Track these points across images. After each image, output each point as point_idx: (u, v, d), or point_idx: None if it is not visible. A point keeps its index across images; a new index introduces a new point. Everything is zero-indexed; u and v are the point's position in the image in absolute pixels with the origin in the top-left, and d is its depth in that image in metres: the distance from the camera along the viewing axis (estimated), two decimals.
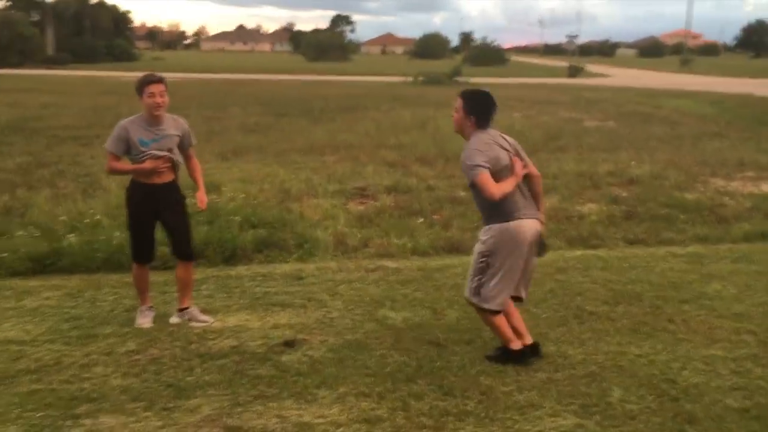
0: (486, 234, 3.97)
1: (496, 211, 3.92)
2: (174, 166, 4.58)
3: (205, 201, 4.89)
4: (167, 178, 4.56)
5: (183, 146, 4.67)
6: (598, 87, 32.55)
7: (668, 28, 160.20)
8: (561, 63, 67.26)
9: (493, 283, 3.94)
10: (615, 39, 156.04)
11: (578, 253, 6.56)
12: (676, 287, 5.48)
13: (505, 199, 3.88)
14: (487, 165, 3.86)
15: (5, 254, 5.78)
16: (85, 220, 6.70)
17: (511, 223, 3.92)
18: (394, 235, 6.88)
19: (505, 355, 4.10)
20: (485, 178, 3.83)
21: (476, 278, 3.99)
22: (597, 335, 4.52)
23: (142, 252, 4.67)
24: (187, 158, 4.77)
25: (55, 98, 21.70)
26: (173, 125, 4.60)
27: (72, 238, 6.15)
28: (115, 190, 8.33)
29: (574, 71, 46.32)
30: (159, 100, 4.40)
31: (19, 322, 4.67)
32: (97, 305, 5.04)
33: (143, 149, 4.39)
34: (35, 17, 59.54)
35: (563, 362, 4.11)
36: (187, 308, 4.72)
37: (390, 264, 6.14)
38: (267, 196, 8.33)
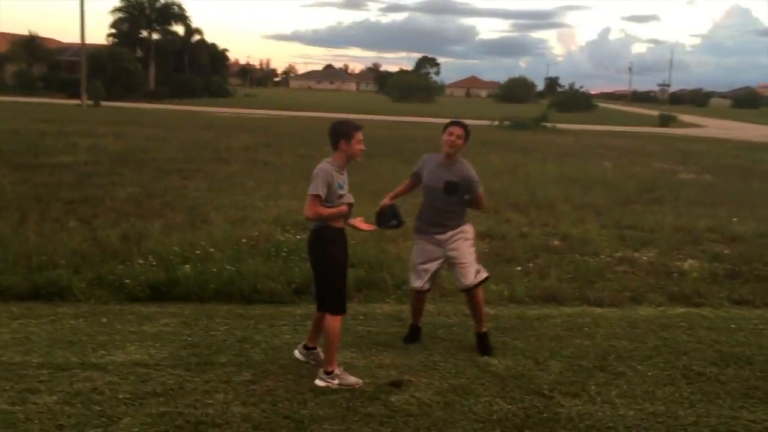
0: (466, 231, 5.22)
1: (465, 216, 5.26)
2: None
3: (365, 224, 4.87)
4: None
5: None
6: (692, 137, 31.72)
7: (765, 79, 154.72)
8: (650, 111, 65.90)
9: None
10: (708, 88, 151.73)
11: (681, 310, 6.43)
12: None
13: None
14: None
15: (127, 280, 6.17)
16: (197, 252, 7.07)
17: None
18: (491, 282, 6.92)
19: (487, 339, 5.25)
20: (483, 193, 5.25)
21: (475, 263, 5.20)
22: (707, 397, 4.43)
23: (345, 299, 4.63)
24: None
25: (157, 131, 22.89)
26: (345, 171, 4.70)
27: (186, 268, 6.49)
28: (220, 223, 8.76)
29: (666, 120, 45.32)
30: (364, 147, 4.58)
31: (142, 346, 4.98)
32: (211, 334, 5.30)
33: (341, 192, 4.48)
34: (139, 53, 63.18)
35: (674, 423, 4.06)
36: (314, 349, 4.79)
37: (488, 310, 6.14)
38: (363, 236, 8.50)
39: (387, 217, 5.21)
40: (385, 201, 5.34)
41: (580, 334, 5.63)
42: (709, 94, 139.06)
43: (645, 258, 8.20)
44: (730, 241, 9.14)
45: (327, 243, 4.51)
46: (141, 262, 6.69)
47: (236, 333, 5.35)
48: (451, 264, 5.18)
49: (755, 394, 4.52)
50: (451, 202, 5.11)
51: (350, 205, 4.56)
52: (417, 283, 5.22)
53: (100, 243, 7.50)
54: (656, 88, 79.14)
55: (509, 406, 4.19)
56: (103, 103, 40.68)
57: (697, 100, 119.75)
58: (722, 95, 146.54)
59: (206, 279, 6.26)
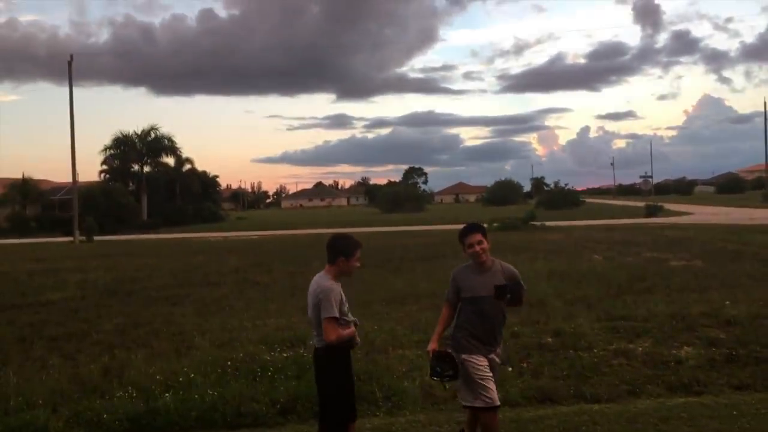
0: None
1: None
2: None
3: None
4: None
5: None
6: (680, 225, 31.97)
7: (745, 164, 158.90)
8: (637, 203, 66.81)
9: None
10: (691, 176, 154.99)
11: (681, 400, 6.23)
12: None
13: None
14: None
15: (105, 415, 5.95)
16: (179, 379, 6.88)
17: None
18: None
19: None
20: None
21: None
22: None
23: (352, 410, 4.57)
24: None
25: (148, 261, 22.92)
26: None
27: (167, 396, 6.30)
28: (206, 348, 8.59)
29: (652, 210, 45.90)
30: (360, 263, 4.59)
31: None
32: None
33: (345, 308, 4.49)
34: (131, 186, 64.40)
35: None
36: None
37: None
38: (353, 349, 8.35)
39: (444, 367, 4.72)
40: (434, 345, 4.86)
41: None
42: (693, 182, 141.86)
43: (640, 348, 8.02)
44: (725, 325, 8.98)
45: (334, 364, 4.46)
46: (120, 394, 6.49)
47: None
48: None
49: None
50: (501, 308, 4.79)
51: (356, 324, 4.53)
52: (493, 396, 4.66)
53: (80, 378, 7.30)
54: (640, 181, 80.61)
55: None
56: (96, 237, 40.99)
57: (681, 188, 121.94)
58: (706, 182, 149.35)
59: (188, 406, 6.06)
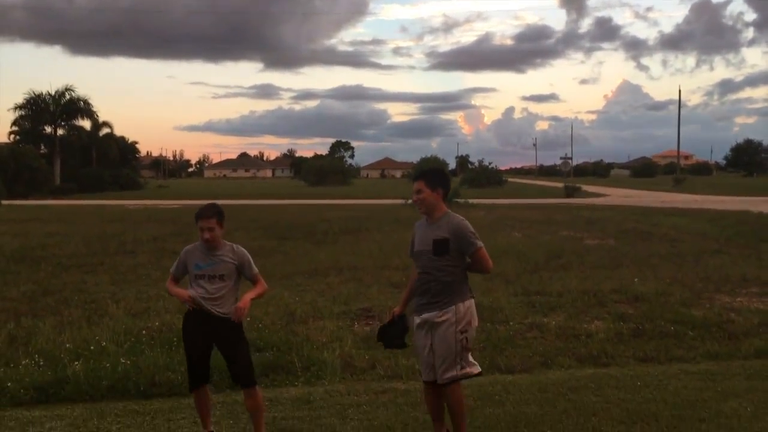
0: (457, 313, 4.30)
1: (462, 288, 4.35)
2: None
3: (241, 308, 4.48)
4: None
5: (244, 274, 4.67)
6: (596, 206, 33.10)
7: (659, 149, 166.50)
8: (557, 183, 68.73)
9: (470, 352, 4.45)
10: (608, 160, 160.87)
11: (589, 371, 6.48)
12: (692, 406, 5.37)
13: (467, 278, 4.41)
14: None
15: (9, 384, 5.70)
16: (90, 347, 6.66)
17: (473, 299, 4.45)
18: (402, 356, 6.80)
19: None
20: (485, 251, 4.35)
21: (462, 356, 4.34)
22: None
23: (192, 377, 4.68)
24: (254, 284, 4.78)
25: (60, 227, 21.98)
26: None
27: (77, 365, 6.08)
28: (120, 316, 8.34)
29: (571, 191, 47.30)
30: (207, 236, 4.49)
31: None
32: None
33: (196, 273, 4.52)
34: (44, 149, 61.41)
35: None
36: None
37: (399, 386, 6.04)
38: (272, 320, 8.29)
39: (395, 334, 4.61)
40: (397, 308, 4.65)
41: (491, 402, 5.55)
42: (610, 165, 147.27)
43: (554, 322, 8.29)
44: (634, 301, 9.39)
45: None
46: (26, 362, 6.22)
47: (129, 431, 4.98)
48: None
49: None
50: (446, 268, 4.29)
51: (193, 298, 4.46)
52: (423, 374, 4.54)
53: None
54: (560, 162, 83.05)
55: None
56: (4, 201, 38.99)
57: (599, 171, 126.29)
58: (622, 166, 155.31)
59: (98, 375, 5.86)
